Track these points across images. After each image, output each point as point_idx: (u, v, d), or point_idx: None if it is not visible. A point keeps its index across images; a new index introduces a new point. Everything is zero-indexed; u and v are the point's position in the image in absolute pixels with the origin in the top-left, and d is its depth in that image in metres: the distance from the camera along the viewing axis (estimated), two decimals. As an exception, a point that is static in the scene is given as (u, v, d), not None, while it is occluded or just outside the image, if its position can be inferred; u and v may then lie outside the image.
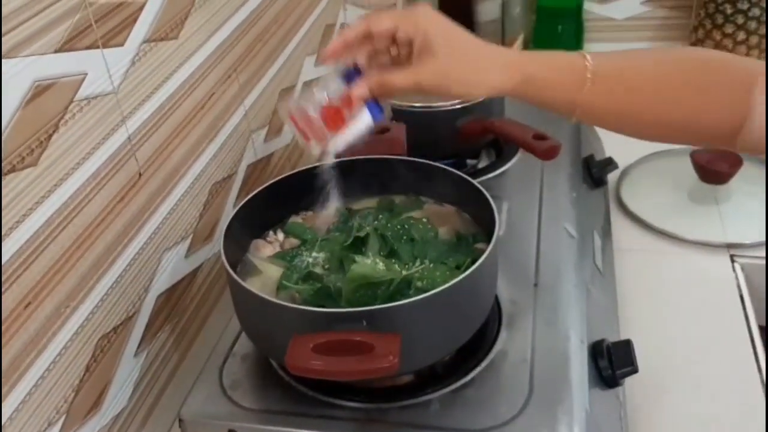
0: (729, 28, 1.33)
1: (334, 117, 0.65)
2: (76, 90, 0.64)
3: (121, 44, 0.71)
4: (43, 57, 0.60)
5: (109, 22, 0.69)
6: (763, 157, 0.59)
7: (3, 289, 0.57)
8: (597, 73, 0.60)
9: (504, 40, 1.48)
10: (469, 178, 0.76)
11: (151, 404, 0.79)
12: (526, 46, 1.48)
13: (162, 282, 0.79)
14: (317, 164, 0.82)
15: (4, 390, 0.58)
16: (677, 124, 0.62)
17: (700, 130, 0.61)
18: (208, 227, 0.89)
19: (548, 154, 0.86)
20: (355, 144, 0.66)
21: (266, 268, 0.74)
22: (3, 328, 0.57)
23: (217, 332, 0.78)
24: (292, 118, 0.66)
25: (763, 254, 0.98)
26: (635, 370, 0.73)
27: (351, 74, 0.65)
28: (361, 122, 0.65)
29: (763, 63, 0.59)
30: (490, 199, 0.71)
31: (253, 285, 0.70)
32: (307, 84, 1.23)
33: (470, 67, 0.61)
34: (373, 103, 0.64)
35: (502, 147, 1.04)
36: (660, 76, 0.61)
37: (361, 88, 0.63)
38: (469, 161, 1.04)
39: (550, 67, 0.62)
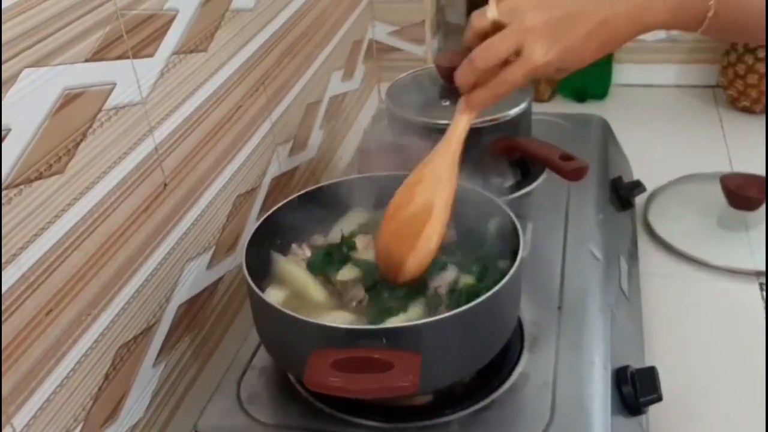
0: (761, 52, 1.32)
1: None
2: (104, 99, 0.65)
3: (151, 55, 0.71)
4: (73, 66, 0.61)
5: (140, 33, 0.69)
6: None
7: (26, 296, 0.57)
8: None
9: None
10: (494, 197, 0.75)
11: (168, 416, 0.78)
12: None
13: (183, 292, 0.80)
14: (343, 178, 0.82)
15: (22, 396, 0.58)
16: None
17: None
18: (231, 239, 0.90)
19: (575, 174, 0.85)
20: None
21: (291, 271, 0.73)
22: (24, 334, 0.57)
23: (236, 345, 0.78)
24: None
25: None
26: (659, 398, 0.71)
27: None
28: None
29: None
30: (516, 220, 0.70)
31: (274, 293, 0.71)
32: (334, 99, 1.23)
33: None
34: None
35: (528, 167, 1.03)
36: None
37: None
38: (494, 180, 1.03)
39: (668, 19, 0.63)
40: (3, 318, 0.55)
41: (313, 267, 0.74)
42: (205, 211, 0.83)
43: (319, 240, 0.78)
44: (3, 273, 0.55)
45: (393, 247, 0.68)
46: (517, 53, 0.61)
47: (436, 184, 0.67)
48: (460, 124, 0.67)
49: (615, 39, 0.63)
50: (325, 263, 0.73)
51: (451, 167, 0.67)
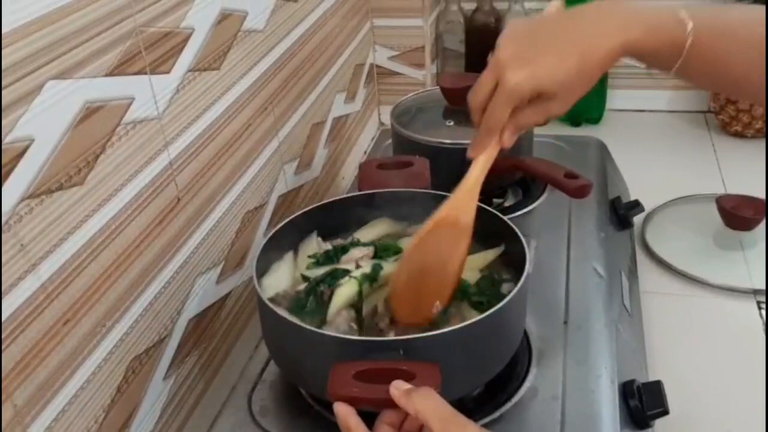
0: (753, 79, 1.35)
1: None
2: (123, 113, 0.66)
3: (168, 72, 0.73)
4: (94, 80, 0.62)
5: (158, 50, 0.70)
6: None
7: (44, 306, 0.58)
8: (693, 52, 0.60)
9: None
10: (498, 213, 0.76)
11: (177, 430, 0.78)
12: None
13: (193, 306, 0.80)
14: (347, 195, 0.83)
15: (38, 407, 0.58)
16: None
17: None
18: (239, 254, 0.90)
19: (580, 192, 0.87)
20: None
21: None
22: (42, 343, 0.58)
23: (243, 360, 0.78)
24: None
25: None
26: (666, 412, 0.73)
27: None
28: None
29: None
30: (519, 233, 0.72)
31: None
32: (337, 120, 1.25)
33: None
34: None
35: (529, 185, 1.04)
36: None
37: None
38: (495, 200, 1.04)
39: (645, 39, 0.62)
40: (22, 328, 0.56)
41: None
42: (216, 226, 0.84)
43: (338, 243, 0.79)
44: (23, 283, 0.55)
45: (402, 294, 0.67)
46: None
47: (449, 235, 0.67)
48: (471, 170, 0.67)
49: (590, 59, 0.61)
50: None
51: (465, 213, 0.67)
